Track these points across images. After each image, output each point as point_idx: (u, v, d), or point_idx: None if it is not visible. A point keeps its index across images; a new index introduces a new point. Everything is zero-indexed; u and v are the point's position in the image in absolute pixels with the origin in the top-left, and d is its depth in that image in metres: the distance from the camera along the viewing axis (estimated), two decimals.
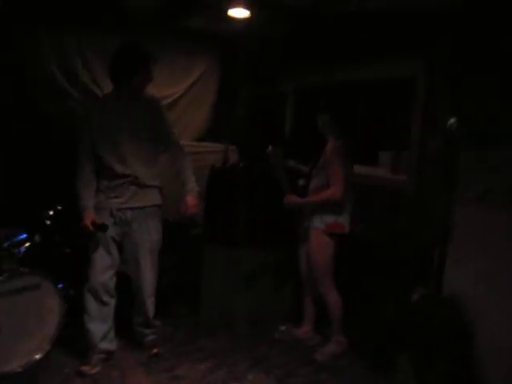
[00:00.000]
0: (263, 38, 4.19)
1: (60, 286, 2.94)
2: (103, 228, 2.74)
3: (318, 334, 3.40)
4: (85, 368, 2.84)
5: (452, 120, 2.15)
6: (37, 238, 3.02)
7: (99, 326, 2.90)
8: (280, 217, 3.53)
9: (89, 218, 2.75)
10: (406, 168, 3.58)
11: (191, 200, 2.91)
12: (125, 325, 3.10)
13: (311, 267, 3.16)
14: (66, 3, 3.50)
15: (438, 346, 2.67)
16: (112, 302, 2.94)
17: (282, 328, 3.48)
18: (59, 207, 3.14)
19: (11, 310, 2.71)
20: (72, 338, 3.06)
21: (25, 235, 3.00)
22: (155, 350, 3.06)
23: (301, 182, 3.35)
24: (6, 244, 2.90)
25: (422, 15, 3.18)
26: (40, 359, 2.83)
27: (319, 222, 3.06)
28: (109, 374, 2.85)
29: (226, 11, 3.56)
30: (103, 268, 2.86)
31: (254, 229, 3.54)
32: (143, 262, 2.91)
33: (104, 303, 2.89)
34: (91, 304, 2.88)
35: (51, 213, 3.12)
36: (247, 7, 3.48)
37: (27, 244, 2.98)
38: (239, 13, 3.58)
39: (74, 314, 3.05)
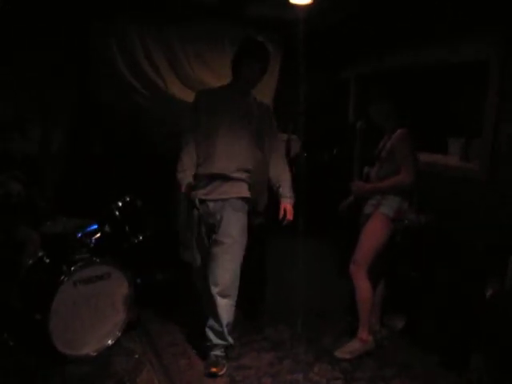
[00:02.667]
0: (325, 25, 4.09)
1: (129, 275, 3.02)
2: (194, 202, 2.72)
3: (384, 328, 3.32)
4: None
5: None
6: (107, 228, 3.13)
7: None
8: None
9: (186, 186, 2.72)
10: (478, 155, 3.41)
11: (289, 208, 2.84)
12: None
13: (358, 245, 3.02)
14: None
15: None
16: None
17: (349, 318, 3.42)
18: (128, 198, 3.23)
19: (85, 298, 2.85)
20: (140, 325, 3.18)
21: (96, 226, 3.13)
22: (213, 369, 2.78)
23: (366, 169, 3.24)
24: (78, 234, 3.04)
25: None
26: (112, 344, 2.96)
27: (387, 208, 2.95)
28: (177, 362, 2.92)
29: None
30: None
31: (316, 219, 3.50)
32: (221, 257, 2.77)
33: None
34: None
35: (120, 204, 3.21)
36: None
37: (98, 234, 3.10)
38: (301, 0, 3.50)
39: (141, 302, 3.16)
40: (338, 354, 3.02)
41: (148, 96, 3.80)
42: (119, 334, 3.00)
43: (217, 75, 4.04)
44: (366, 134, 3.10)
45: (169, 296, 3.68)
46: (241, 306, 3.60)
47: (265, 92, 4.35)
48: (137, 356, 2.95)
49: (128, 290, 3.02)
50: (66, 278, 2.74)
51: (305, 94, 4.31)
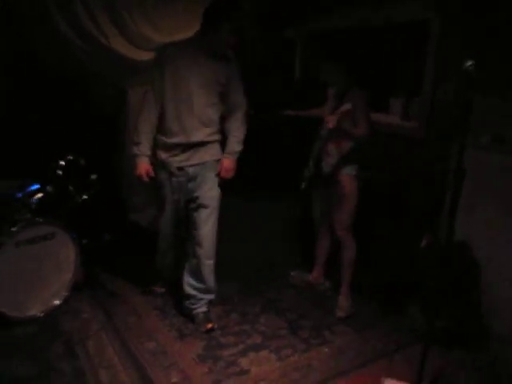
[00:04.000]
0: None
1: (74, 235, 2.98)
2: (157, 182, 2.77)
3: (328, 280, 3.47)
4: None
5: (469, 62, 2.08)
6: (49, 188, 3.05)
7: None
8: (286, 165, 3.55)
9: (143, 167, 2.74)
10: (418, 114, 3.54)
11: (228, 163, 2.84)
12: None
13: (338, 212, 3.09)
14: None
15: (447, 291, 2.73)
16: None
17: (293, 273, 3.54)
18: (70, 157, 3.14)
19: (28, 259, 2.80)
20: (87, 285, 3.17)
21: (37, 186, 3.03)
22: (209, 325, 2.88)
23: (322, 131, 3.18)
24: (19, 194, 2.94)
25: None
26: (59, 305, 2.94)
27: (350, 169, 3.04)
28: (125, 320, 2.94)
29: None
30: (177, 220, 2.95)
31: (264, 179, 3.56)
32: (203, 219, 2.81)
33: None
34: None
35: (62, 163, 3.12)
36: None
37: (40, 194, 3.02)
38: None
39: (87, 263, 3.14)
40: (341, 313, 3.09)
41: (90, 52, 3.64)
42: (66, 294, 2.98)
43: (161, 31, 3.93)
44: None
45: (116, 256, 3.67)
46: None
47: None
48: (85, 315, 2.96)
49: (73, 250, 2.98)
50: (6, 239, 2.67)
51: (251, 52, 4.28)
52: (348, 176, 3.03)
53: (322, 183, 3.13)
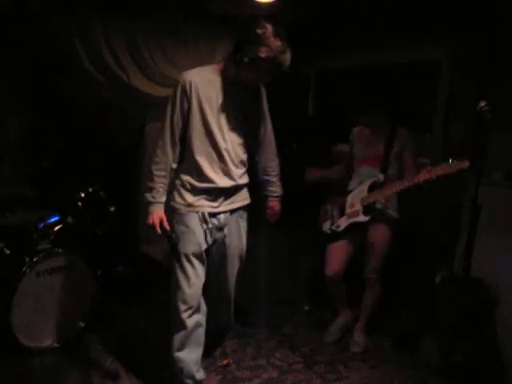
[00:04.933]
0: (287, 22, 4.18)
1: (91, 266, 3.02)
2: (170, 238, 2.35)
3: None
4: None
5: (482, 103, 2.16)
6: (69, 219, 3.11)
7: (193, 351, 2.49)
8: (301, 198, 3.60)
9: (157, 216, 2.32)
10: (429, 151, 3.60)
11: (275, 205, 2.69)
12: None
13: (375, 257, 2.97)
14: None
15: (462, 325, 2.73)
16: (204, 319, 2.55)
17: (306, 308, 3.54)
18: (90, 189, 3.22)
19: (47, 289, 2.84)
20: (103, 316, 3.19)
21: (58, 217, 3.10)
22: (225, 361, 2.85)
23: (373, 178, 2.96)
24: (40, 225, 3.01)
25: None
26: (75, 335, 2.96)
27: (394, 212, 2.98)
28: (139, 351, 2.94)
29: None
30: (199, 282, 2.44)
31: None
32: (230, 269, 2.59)
33: (201, 323, 2.51)
34: (188, 323, 2.42)
35: (83, 195, 3.19)
36: None
37: (60, 225, 3.08)
38: None
39: (102, 293, 3.17)
40: (357, 349, 3.06)
41: (111, 88, 3.78)
42: (83, 325, 3.00)
43: (179, 69, 4.06)
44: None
45: (129, 287, 3.69)
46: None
47: None
48: (101, 346, 2.96)
49: (91, 281, 3.02)
50: (28, 270, 2.72)
51: (266, 88, 4.40)
52: (392, 219, 2.97)
53: (355, 230, 2.97)
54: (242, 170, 2.48)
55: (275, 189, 2.69)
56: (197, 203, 2.38)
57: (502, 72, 3.08)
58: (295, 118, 4.35)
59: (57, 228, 3.06)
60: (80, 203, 3.17)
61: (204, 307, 2.53)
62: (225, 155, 2.35)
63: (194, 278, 2.38)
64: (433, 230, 3.35)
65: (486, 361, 2.80)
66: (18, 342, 2.70)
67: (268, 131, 2.60)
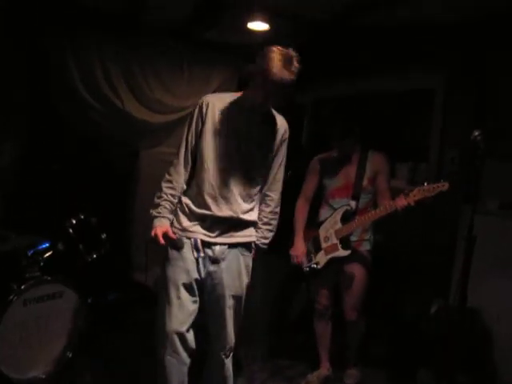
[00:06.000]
0: None
1: (81, 294, 2.96)
2: (178, 244, 2.19)
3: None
4: None
5: (476, 132, 2.16)
6: (60, 246, 3.06)
7: None
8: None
9: (161, 228, 2.17)
10: (424, 180, 3.59)
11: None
12: None
13: (352, 294, 2.83)
14: (88, 16, 3.57)
15: (459, 357, 2.67)
16: (189, 360, 2.27)
17: (299, 337, 3.47)
18: (82, 216, 3.18)
19: (35, 318, 2.75)
20: (92, 346, 3.10)
21: (48, 243, 3.05)
22: None
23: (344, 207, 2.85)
24: (29, 252, 2.94)
25: (440, 27, 3.21)
26: (62, 366, 2.87)
27: (370, 244, 2.88)
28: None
29: (246, 24, 3.61)
30: (182, 314, 2.20)
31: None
32: (227, 310, 2.26)
33: (182, 361, 2.24)
34: (166, 362, 2.21)
35: (74, 221, 3.15)
36: (267, 20, 3.54)
37: (50, 252, 3.02)
38: (258, 26, 3.63)
39: (92, 323, 3.09)
40: (350, 381, 2.98)
41: (105, 114, 3.78)
42: (70, 355, 2.91)
43: (175, 96, 4.09)
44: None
45: (120, 316, 3.61)
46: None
47: None
48: (88, 378, 2.88)
49: (80, 310, 2.95)
50: (15, 298, 2.65)
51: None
52: (367, 252, 2.87)
53: (334, 263, 2.83)
54: (249, 205, 2.26)
55: (261, 242, 2.35)
56: (191, 228, 2.21)
57: (497, 101, 3.10)
58: (290, 147, 4.35)
59: (47, 255, 3.00)
60: (71, 230, 3.12)
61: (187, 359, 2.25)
62: (231, 184, 2.20)
63: (176, 310, 2.17)
64: (428, 260, 3.32)
65: None
66: (1, 373, 2.60)
67: (279, 172, 2.35)
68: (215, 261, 2.22)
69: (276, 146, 2.29)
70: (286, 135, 2.33)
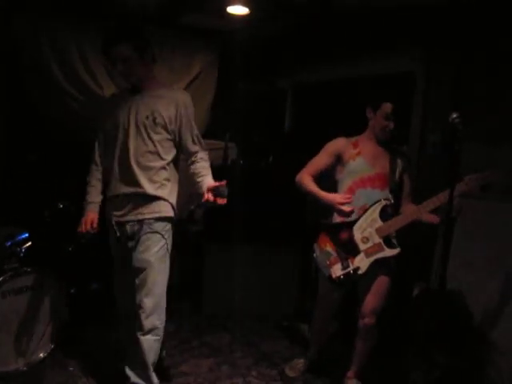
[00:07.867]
0: (262, 35, 4.19)
1: (62, 285, 2.92)
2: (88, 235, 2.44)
3: None
4: None
5: (454, 114, 2.14)
6: (39, 236, 3.01)
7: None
8: (280, 213, 3.57)
9: (88, 216, 2.45)
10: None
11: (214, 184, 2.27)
12: None
13: (377, 297, 2.60)
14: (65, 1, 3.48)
15: (440, 339, 2.69)
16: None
17: (285, 323, 3.48)
18: (60, 205, 3.13)
19: (15, 310, 2.72)
20: (75, 336, 3.07)
21: (27, 234, 3.00)
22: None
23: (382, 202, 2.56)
24: (8, 243, 2.90)
25: (420, 9, 3.19)
26: (44, 358, 2.85)
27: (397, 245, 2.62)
28: (112, 373, 2.84)
29: (225, 8, 3.56)
30: (117, 288, 2.63)
31: (254, 225, 3.56)
32: (143, 285, 2.41)
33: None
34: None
35: (53, 211, 3.10)
36: (246, 4, 3.48)
37: (29, 243, 2.98)
38: (238, 10, 3.58)
39: (76, 313, 3.06)
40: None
41: (84, 102, 3.70)
42: (53, 347, 2.89)
43: None
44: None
45: (103, 305, 3.59)
46: (179, 313, 3.63)
47: (202, 100, 4.38)
48: (71, 368, 2.86)
49: (61, 301, 2.92)
50: None
51: (242, 102, 4.39)
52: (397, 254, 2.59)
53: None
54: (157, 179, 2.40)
55: (209, 179, 2.37)
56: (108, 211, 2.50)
57: (476, 83, 3.09)
58: (271, 132, 4.34)
59: (26, 246, 2.96)
60: (50, 219, 3.08)
61: None
62: (130, 161, 2.37)
63: (116, 284, 2.62)
64: (410, 244, 3.32)
65: (468, 374, 2.75)
66: None
67: (193, 140, 2.51)
68: (131, 238, 2.44)
69: (175, 112, 2.48)
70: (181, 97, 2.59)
